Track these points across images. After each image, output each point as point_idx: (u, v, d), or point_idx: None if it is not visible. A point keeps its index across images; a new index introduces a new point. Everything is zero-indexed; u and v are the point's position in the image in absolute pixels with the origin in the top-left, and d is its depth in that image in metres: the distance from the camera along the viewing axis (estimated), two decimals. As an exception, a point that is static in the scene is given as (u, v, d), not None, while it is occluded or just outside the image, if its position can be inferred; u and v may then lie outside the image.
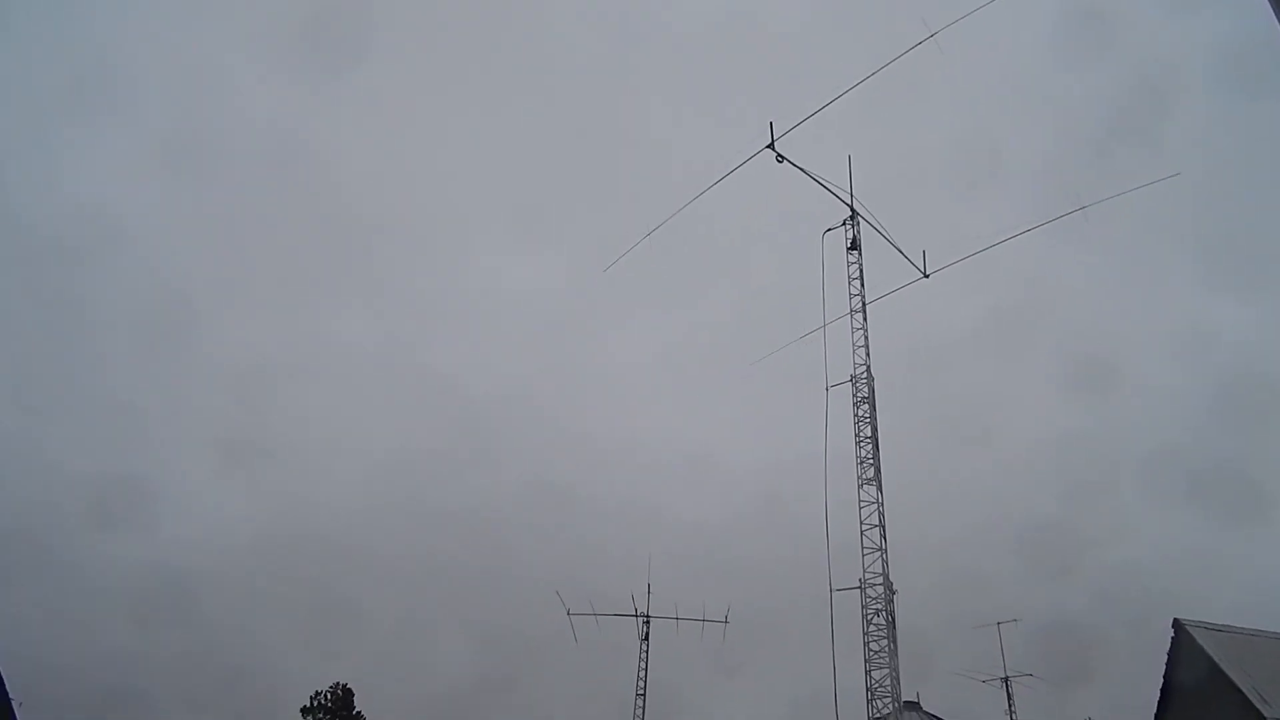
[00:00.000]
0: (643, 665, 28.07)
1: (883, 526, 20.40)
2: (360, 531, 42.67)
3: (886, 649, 19.76)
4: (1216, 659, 19.58)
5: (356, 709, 34.94)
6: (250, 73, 56.20)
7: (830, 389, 21.48)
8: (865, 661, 19.73)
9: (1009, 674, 28.58)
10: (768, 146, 21.03)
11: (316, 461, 45.91)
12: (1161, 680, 21.23)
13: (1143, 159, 42.40)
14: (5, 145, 48.74)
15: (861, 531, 20.43)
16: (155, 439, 43.18)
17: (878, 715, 19.48)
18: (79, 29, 54.09)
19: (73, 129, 50.17)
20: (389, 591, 40.52)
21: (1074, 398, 45.05)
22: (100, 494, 36.21)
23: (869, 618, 19.98)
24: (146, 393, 44.35)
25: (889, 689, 19.46)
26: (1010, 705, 28.74)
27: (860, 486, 20.78)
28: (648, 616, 28.47)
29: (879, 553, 20.25)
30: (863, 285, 22.18)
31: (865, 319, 21.90)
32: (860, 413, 21.31)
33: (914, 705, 25.65)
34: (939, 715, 27.34)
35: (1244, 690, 18.69)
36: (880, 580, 20.12)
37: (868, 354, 21.69)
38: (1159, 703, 21.39)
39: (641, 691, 27.66)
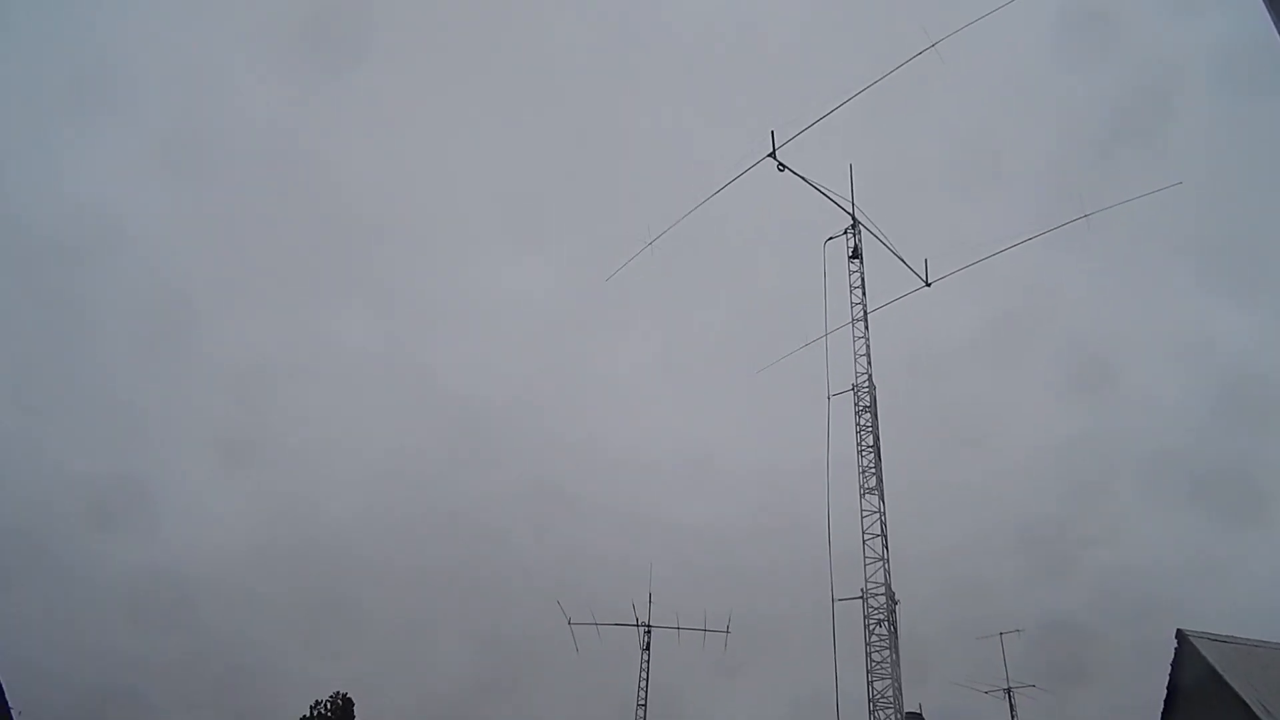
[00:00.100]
0: (644, 675, 28.01)
1: (885, 536, 20.36)
2: (360, 534, 42.69)
3: (889, 659, 19.71)
4: (1220, 670, 19.47)
5: (356, 720, 34.81)
6: (250, 73, 56.21)
7: (832, 398, 21.45)
8: (867, 673, 19.67)
9: (1012, 685, 28.47)
10: (769, 155, 20.96)
11: (316, 463, 45.85)
12: (1165, 690, 21.12)
13: (1145, 160, 42.37)
14: (5, 145, 48.71)
15: (863, 541, 20.39)
16: (155, 439, 43.20)
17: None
18: (79, 29, 54.05)
19: (73, 129, 50.26)
20: (389, 594, 40.52)
21: (1075, 403, 45.06)
22: (99, 495, 36.26)
23: (871, 628, 19.93)
24: (146, 393, 44.33)
25: (891, 700, 19.40)
26: (1013, 716, 28.64)
27: (862, 496, 20.73)
28: (649, 626, 28.38)
29: (881, 563, 20.20)
30: (864, 294, 22.17)
31: (867, 327, 21.88)
32: (862, 422, 21.26)
33: (916, 716, 25.53)
34: (941, 727, 27.23)
35: (1248, 701, 18.57)
36: (882, 590, 20.07)
37: (869, 363, 21.67)
38: (1162, 714, 21.28)
39: (642, 702, 27.58)
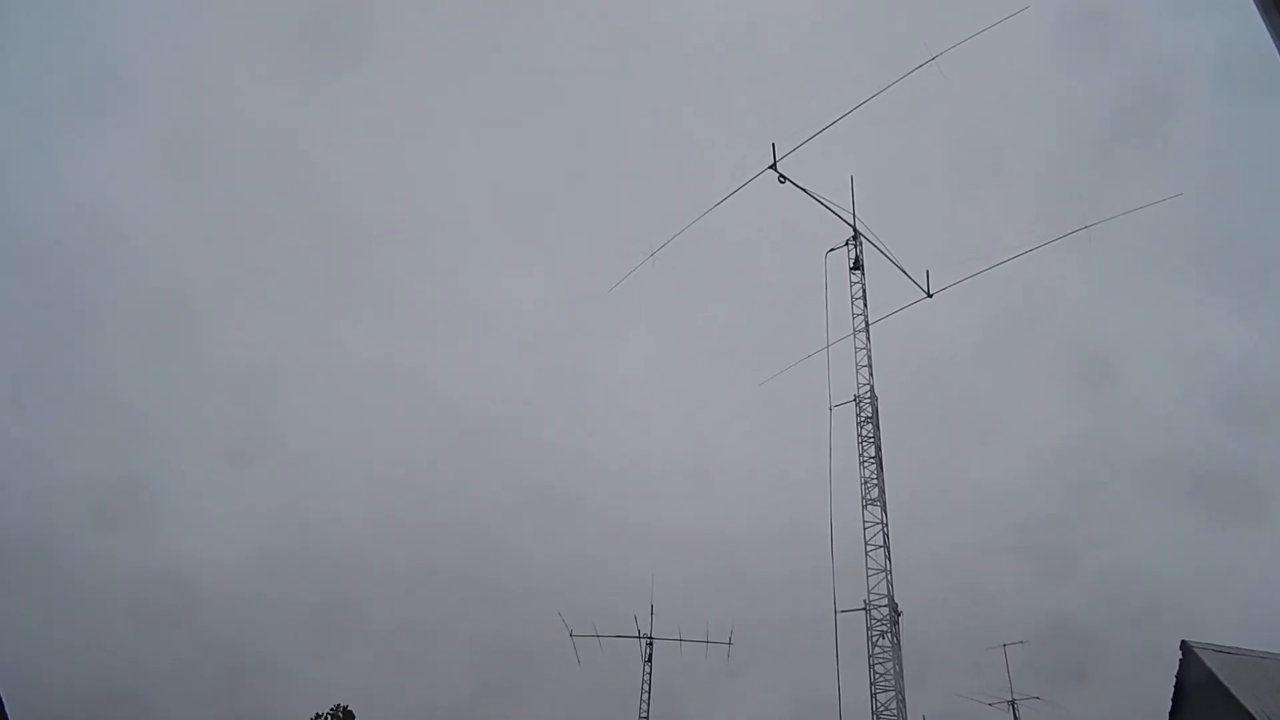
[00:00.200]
0: (646, 688, 27.82)
1: (887, 548, 20.28)
2: (361, 540, 42.47)
3: (892, 671, 19.64)
4: (1224, 681, 19.44)
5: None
6: (250, 73, 55.87)
7: (834, 409, 21.36)
8: (870, 685, 19.60)
9: (1015, 696, 28.40)
10: (770, 167, 20.86)
11: (316, 466, 45.65)
12: (1170, 701, 21.07)
13: (1145, 161, 42.24)
14: (5, 145, 48.43)
15: (866, 553, 20.30)
16: (155, 440, 43.05)
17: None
18: (79, 29, 53.84)
19: (73, 129, 50.02)
20: (389, 601, 40.39)
21: (1075, 407, 44.94)
22: (100, 497, 36.08)
23: (874, 639, 19.86)
24: (147, 394, 44.14)
25: (894, 712, 19.34)
26: (1017, 725, 28.58)
27: (864, 507, 20.65)
28: (651, 638, 28.12)
29: (884, 574, 20.13)
30: (865, 305, 22.08)
31: (868, 338, 21.79)
32: (864, 433, 21.17)
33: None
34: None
35: (1253, 713, 18.55)
36: (885, 601, 20.00)
37: (871, 374, 21.56)
38: (1167, 724, 21.25)
39: (644, 715, 27.40)
